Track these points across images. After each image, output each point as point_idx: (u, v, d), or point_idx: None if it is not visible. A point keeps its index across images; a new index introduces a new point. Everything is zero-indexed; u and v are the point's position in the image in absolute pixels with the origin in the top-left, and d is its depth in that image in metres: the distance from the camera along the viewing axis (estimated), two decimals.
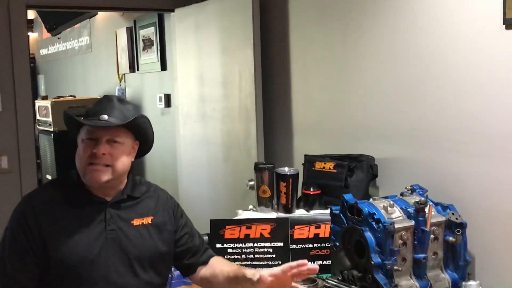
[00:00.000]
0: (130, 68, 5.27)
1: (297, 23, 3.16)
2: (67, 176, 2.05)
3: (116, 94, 5.51)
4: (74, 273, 1.89)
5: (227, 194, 3.70)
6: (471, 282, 2.17)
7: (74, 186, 2.00)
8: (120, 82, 5.54)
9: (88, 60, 6.53)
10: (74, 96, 6.35)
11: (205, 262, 2.11)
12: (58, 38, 7.39)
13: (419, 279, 2.19)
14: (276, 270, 1.84)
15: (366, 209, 2.18)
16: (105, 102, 1.98)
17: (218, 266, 2.09)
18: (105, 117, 1.92)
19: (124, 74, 5.48)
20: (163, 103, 4.70)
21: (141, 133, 2.05)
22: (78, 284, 1.90)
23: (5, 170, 3.61)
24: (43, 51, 8.19)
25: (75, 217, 1.94)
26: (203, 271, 2.09)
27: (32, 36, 8.58)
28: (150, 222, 2.03)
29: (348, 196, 2.28)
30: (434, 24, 2.38)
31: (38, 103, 6.48)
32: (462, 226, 2.21)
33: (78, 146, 1.97)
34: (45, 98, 7.16)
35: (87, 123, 1.92)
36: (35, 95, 7.76)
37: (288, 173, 2.60)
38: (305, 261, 1.82)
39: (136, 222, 2.01)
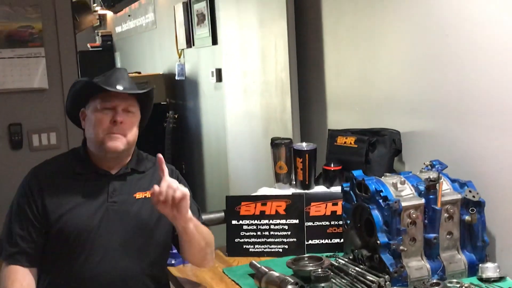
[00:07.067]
0: (187, 43, 5.27)
1: None
2: (75, 149, 2.11)
3: (176, 70, 5.56)
4: (74, 243, 1.95)
5: (267, 168, 3.65)
6: (488, 264, 2.02)
7: (80, 159, 2.05)
8: (180, 57, 5.57)
9: (153, 37, 6.61)
10: (140, 73, 6.46)
11: None
12: (129, 16, 7.54)
13: (431, 260, 2.06)
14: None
15: (373, 186, 2.08)
16: (117, 73, 2.02)
17: None
18: (121, 87, 1.95)
19: (182, 49, 5.50)
20: (214, 77, 4.69)
21: (148, 106, 2.08)
22: (77, 254, 1.96)
23: (54, 146, 3.75)
24: (118, 29, 8.38)
25: (79, 189, 2.00)
26: None
27: (109, 14, 8.81)
28: None
29: (357, 172, 2.18)
30: None
31: None
32: (480, 204, 2.06)
33: (87, 117, 2.00)
34: None
35: (111, 89, 1.94)
36: None
37: (305, 149, 2.52)
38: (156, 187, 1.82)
39: (139, 195, 2.04)
